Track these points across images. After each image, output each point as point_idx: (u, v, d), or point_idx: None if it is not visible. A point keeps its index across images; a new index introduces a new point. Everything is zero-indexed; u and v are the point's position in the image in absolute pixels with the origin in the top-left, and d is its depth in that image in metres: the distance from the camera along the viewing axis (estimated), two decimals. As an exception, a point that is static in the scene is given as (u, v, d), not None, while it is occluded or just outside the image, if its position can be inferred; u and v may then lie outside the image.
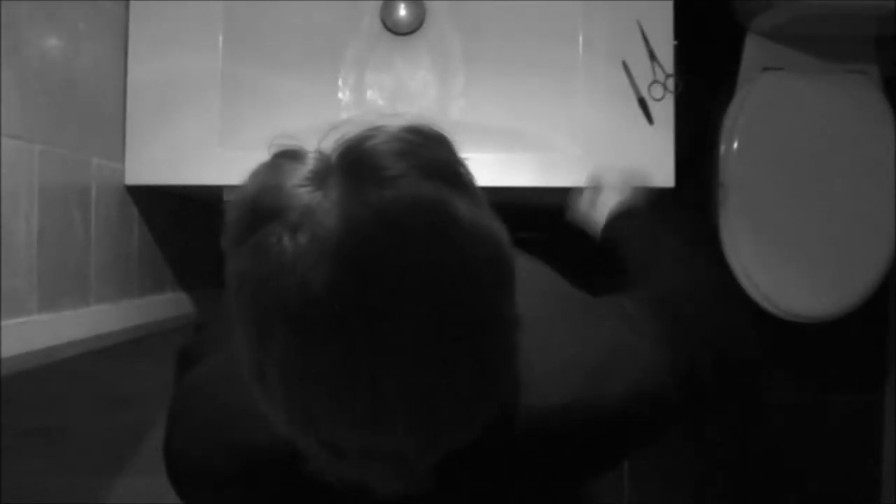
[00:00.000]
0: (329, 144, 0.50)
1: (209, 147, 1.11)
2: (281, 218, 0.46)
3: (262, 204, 0.48)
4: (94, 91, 1.03)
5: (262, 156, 1.20)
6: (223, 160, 1.10)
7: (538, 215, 1.21)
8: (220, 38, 1.12)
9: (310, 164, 0.48)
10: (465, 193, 0.48)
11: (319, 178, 0.47)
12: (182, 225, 1.36)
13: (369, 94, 1.22)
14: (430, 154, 0.49)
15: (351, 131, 0.50)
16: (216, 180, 1.11)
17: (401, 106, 1.22)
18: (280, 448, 0.52)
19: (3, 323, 0.79)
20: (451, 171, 0.49)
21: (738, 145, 1.50)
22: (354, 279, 0.43)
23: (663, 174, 1.12)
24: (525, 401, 0.57)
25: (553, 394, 0.58)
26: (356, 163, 0.47)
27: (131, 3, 1.11)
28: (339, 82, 1.21)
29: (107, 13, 1.07)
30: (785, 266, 1.51)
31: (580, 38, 1.13)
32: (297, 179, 0.47)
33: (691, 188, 1.38)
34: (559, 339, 0.61)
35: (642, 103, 1.13)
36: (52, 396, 1.13)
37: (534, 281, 0.69)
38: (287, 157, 0.50)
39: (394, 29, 1.20)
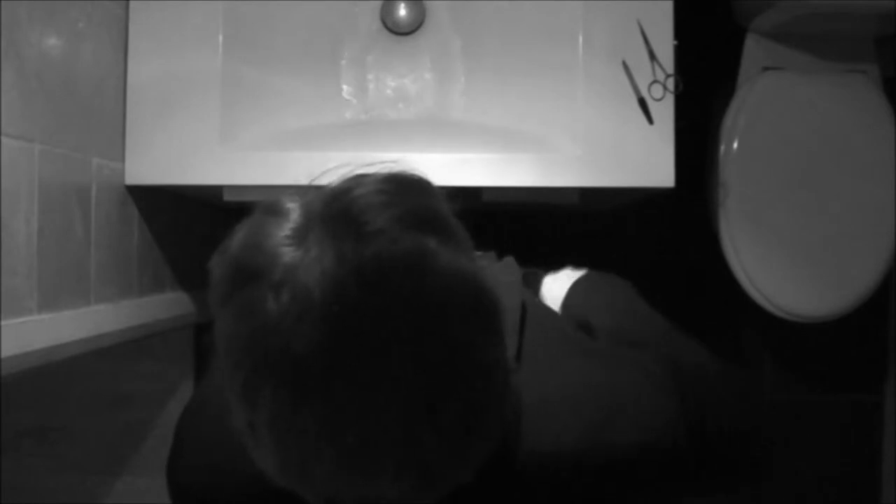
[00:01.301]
0: (311, 197, 0.50)
1: (209, 147, 1.11)
2: (264, 277, 0.46)
3: (244, 264, 0.47)
4: (94, 91, 1.03)
5: (262, 155, 1.20)
6: (223, 160, 1.10)
7: (538, 216, 1.21)
8: (220, 38, 1.12)
9: (292, 219, 0.48)
10: (446, 240, 0.48)
11: (301, 234, 0.47)
12: (182, 225, 1.36)
13: (369, 93, 1.22)
14: (410, 204, 0.48)
15: (333, 182, 0.50)
16: (216, 180, 1.11)
17: (401, 106, 1.22)
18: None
19: (3, 323, 0.79)
20: (431, 218, 0.49)
21: (738, 145, 1.50)
22: (336, 337, 0.44)
23: (663, 174, 1.12)
24: (535, 442, 0.57)
25: (564, 437, 0.58)
26: (335, 218, 0.47)
27: (131, 3, 1.11)
28: (340, 82, 1.21)
29: (107, 13, 1.07)
30: (785, 266, 1.51)
31: (580, 38, 1.13)
32: (279, 237, 0.47)
33: (691, 188, 1.39)
34: (574, 382, 0.61)
35: (642, 103, 1.13)
36: (52, 396, 1.12)
37: (550, 321, 0.69)
38: (270, 212, 0.50)
39: (394, 29, 1.20)
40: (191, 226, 1.42)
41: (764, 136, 1.51)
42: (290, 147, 1.12)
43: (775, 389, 1.89)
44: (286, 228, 0.48)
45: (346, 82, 1.21)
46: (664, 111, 1.13)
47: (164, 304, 1.24)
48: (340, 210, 0.47)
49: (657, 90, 1.13)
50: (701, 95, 1.40)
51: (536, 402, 0.58)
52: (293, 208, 0.50)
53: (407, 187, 0.50)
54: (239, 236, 0.49)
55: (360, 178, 0.50)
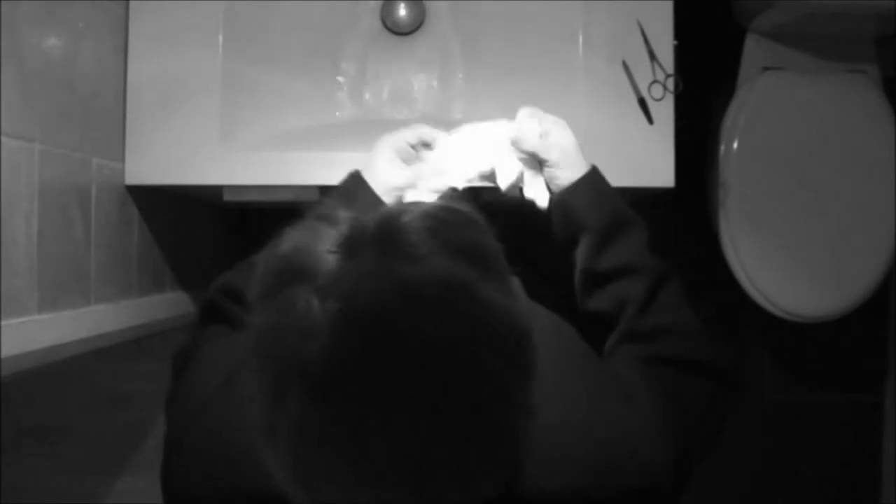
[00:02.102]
0: (363, 214, 0.51)
1: (209, 147, 1.11)
2: (310, 280, 0.47)
3: (293, 264, 0.49)
4: (94, 91, 1.03)
5: (262, 155, 1.20)
6: (223, 160, 1.10)
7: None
8: (220, 38, 1.12)
9: (344, 230, 0.50)
10: (492, 278, 0.49)
11: (352, 246, 0.48)
12: (182, 225, 1.36)
13: (369, 93, 1.22)
14: (461, 235, 0.50)
15: (389, 205, 0.52)
16: (216, 180, 1.11)
17: (401, 106, 1.22)
18: (285, 499, 0.52)
19: (3, 323, 0.79)
20: (480, 254, 0.50)
21: (738, 145, 1.50)
22: (375, 351, 0.45)
23: (663, 174, 1.12)
24: (534, 476, 0.58)
25: (557, 477, 0.59)
26: (390, 237, 0.48)
27: (131, 2, 1.11)
28: (340, 82, 1.21)
29: (107, 13, 1.07)
30: (785, 266, 1.51)
31: (580, 38, 1.13)
32: (330, 245, 0.49)
33: (691, 188, 1.39)
34: (571, 420, 0.62)
35: (642, 103, 1.13)
36: (52, 396, 1.12)
37: (552, 341, 0.69)
38: (324, 219, 0.52)
39: (394, 29, 1.20)
40: (191, 226, 1.42)
41: (764, 136, 1.51)
42: (290, 147, 1.12)
43: (775, 389, 1.89)
44: (338, 237, 0.49)
45: (346, 82, 1.21)
46: (664, 111, 1.13)
47: (164, 304, 1.24)
48: (392, 232, 0.49)
49: (657, 90, 1.13)
50: (701, 95, 1.40)
51: (538, 437, 0.59)
52: (345, 220, 0.51)
53: (460, 218, 0.52)
54: (292, 237, 0.51)
55: (411, 205, 0.52)
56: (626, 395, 0.66)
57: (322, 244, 0.49)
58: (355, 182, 0.87)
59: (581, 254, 0.82)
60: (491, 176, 0.88)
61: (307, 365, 0.45)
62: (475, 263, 0.49)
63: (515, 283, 0.53)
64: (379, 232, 0.49)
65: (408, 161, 0.88)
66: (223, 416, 0.63)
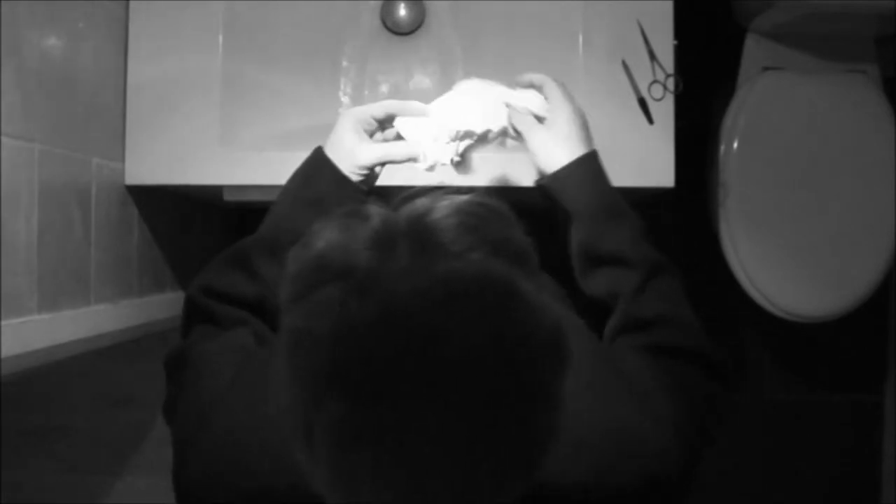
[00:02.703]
0: (393, 210, 0.50)
1: (209, 147, 1.11)
2: (346, 279, 0.46)
3: (327, 262, 0.48)
4: (94, 91, 1.03)
5: (262, 155, 1.20)
6: (223, 160, 1.10)
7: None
8: (220, 38, 1.12)
9: (376, 226, 0.49)
10: (527, 273, 0.49)
11: (386, 243, 0.47)
12: (182, 225, 1.36)
13: (369, 93, 1.22)
14: (495, 230, 0.49)
15: (419, 200, 0.51)
16: (216, 180, 1.11)
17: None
18: (307, 496, 0.52)
19: (3, 323, 0.79)
20: (514, 249, 0.50)
21: (738, 145, 1.50)
22: (418, 350, 0.44)
23: (663, 174, 1.12)
24: (546, 473, 0.57)
25: (570, 472, 0.58)
26: (425, 232, 0.48)
27: (131, 3, 1.11)
28: (340, 82, 1.21)
29: (107, 13, 1.07)
30: (785, 266, 1.51)
31: (580, 38, 1.13)
32: (363, 241, 0.48)
33: (691, 188, 1.39)
34: (585, 419, 0.61)
35: (642, 103, 1.13)
36: (52, 396, 1.13)
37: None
38: (355, 216, 0.50)
39: (394, 29, 1.20)
40: (191, 226, 1.42)
41: (764, 136, 1.51)
42: (290, 147, 1.12)
43: (775, 389, 1.89)
44: (370, 233, 0.48)
45: (345, 82, 1.21)
46: (664, 111, 1.13)
47: (164, 304, 1.24)
48: (430, 226, 0.48)
49: (657, 90, 1.13)
50: (701, 95, 1.40)
51: None
52: (375, 215, 0.50)
53: (494, 214, 0.51)
54: (324, 234, 0.50)
55: (440, 199, 0.51)
56: (633, 386, 0.66)
57: (353, 241, 0.48)
58: (318, 161, 0.84)
59: (574, 236, 0.82)
60: (482, 135, 0.85)
61: (347, 365, 0.45)
62: (510, 258, 0.48)
63: (545, 278, 0.53)
64: (412, 228, 0.48)
65: (372, 137, 0.84)
66: (234, 414, 0.63)
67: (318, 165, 0.84)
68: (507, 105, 0.85)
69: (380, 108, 0.84)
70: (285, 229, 0.81)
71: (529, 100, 0.85)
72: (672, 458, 0.63)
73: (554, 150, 0.82)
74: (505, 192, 1.12)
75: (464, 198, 0.51)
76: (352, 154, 0.82)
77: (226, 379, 0.66)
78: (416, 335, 0.44)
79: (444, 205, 0.50)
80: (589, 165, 0.83)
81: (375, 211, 0.50)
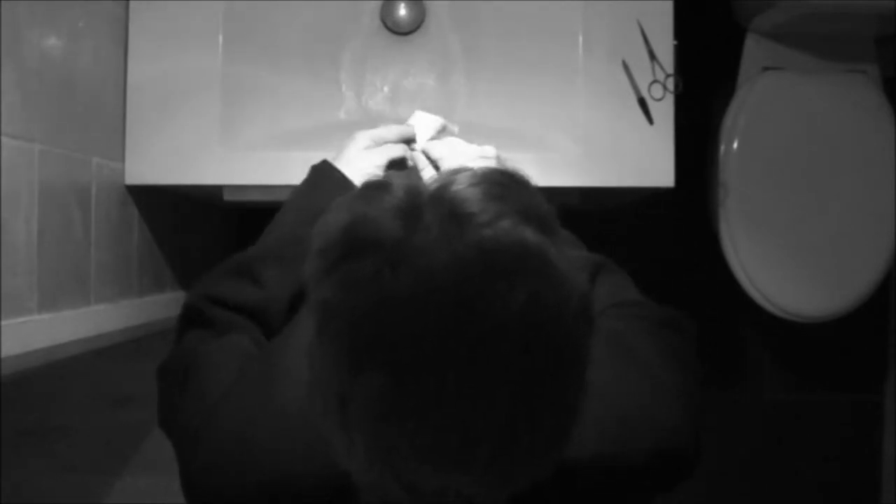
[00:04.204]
0: (414, 182, 0.50)
1: (209, 147, 1.11)
2: (377, 251, 0.46)
3: (355, 235, 0.47)
4: (94, 91, 1.03)
5: (262, 155, 1.20)
6: (223, 160, 1.10)
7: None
8: (220, 38, 1.12)
9: (400, 197, 0.48)
10: (553, 240, 0.48)
11: (412, 213, 0.47)
12: (182, 225, 1.36)
13: (369, 93, 1.22)
14: (523, 199, 0.49)
15: (439, 172, 0.50)
16: (216, 180, 1.11)
17: (401, 106, 1.22)
18: (319, 485, 0.52)
19: (3, 323, 0.79)
20: (542, 216, 0.49)
21: (738, 145, 1.50)
22: (461, 317, 0.44)
23: (663, 174, 1.12)
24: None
25: (587, 444, 0.58)
26: (451, 202, 0.47)
27: (131, 2, 1.11)
28: (339, 82, 1.21)
29: (107, 13, 1.07)
30: (785, 266, 1.51)
31: (580, 38, 1.13)
32: (390, 212, 0.47)
33: (691, 188, 1.39)
34: (600, 392, 0.62)
35: (642, 103, 1.13)
36: (52, 396, 1.13)
37: None
38: (377, 188, 0.50)
39: (394, 28, 1.20)
40: (191, 226, 1.42)
41: (764, 136, 1.51)
42: (290, 147, 1.12)
43: (775, 389, 1.89)
44: (395, 204, 0.48)
45: (345, 82, 1.21)
46: (664, 111, 1.13)
47: (164, 304, 1.24)
48: (456, 195, 0.48)
49: (657, 90, 1.13)
50: (701, 95, 1.40)
51: None
52: (398, 187, 0.49)
53: (517, 182, 0.51)
54: (347, 208, 0.49)
55: (463, 170, 0.50)
56: (637, 358, 0.66)
57: (380, 212, 0.47)
58: (325, 170, 0.87)
59: None
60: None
61: (386, 337, 0.44)
62: (538, 225, 0.48)
63: (566, 234, 0.52)
64: (437, 198, 0.48)
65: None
66: (240, 410, 0.62)
67: (325, 174, 0.86)
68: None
69: (393, 133, 0.90)
70: (292, 237, 0.81)
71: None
72: (685, 432, 0.63)
73: None
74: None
75: (484, 167, 0.51)
76: (359, 162, 0.87)
77: (229, 377, 0.66)
78: (455, 303, 0.44)
79: (466, 175, 0.49)
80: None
81: (398, 182, 0.50)
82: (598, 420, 0.59)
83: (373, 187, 0.50)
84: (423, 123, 0.95)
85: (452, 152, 0.90)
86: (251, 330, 0.75)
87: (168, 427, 0.71)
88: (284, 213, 0.86)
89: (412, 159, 0.92)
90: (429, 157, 0.92)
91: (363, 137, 0.90)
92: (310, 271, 0.49)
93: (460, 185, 0.48)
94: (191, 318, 0.79)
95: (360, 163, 0.88)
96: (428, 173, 0.89)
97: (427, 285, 0.44)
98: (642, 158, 1.12)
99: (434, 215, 0.47)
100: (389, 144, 0.91)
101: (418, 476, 0.46)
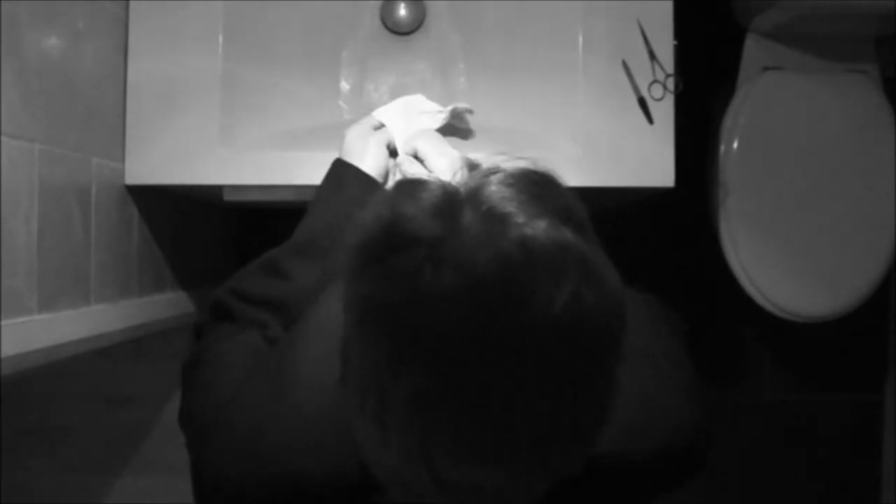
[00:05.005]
0: (450, 180, 0.51)
1: (209, 147, 1.11)
2: (417, 247, 0.46)
3: (395, 230, 0.47)
4: (94, 91, 1.03)
5: (262, 155, 1.20)
6: (223, 160, 1.10)
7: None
8: (220, 38, 1.12)
9: (437, 194, 0.49)
10: (591, 241, 0.49)
11: (449, 211, 0.47)
12: (182, 225, 1.36)
13: (369, 93, 1.22)
14: (558, 199, 0.50)
15: (472, 172, 0.51)
16: (216, 180, 1.11)
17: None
18: (332, 483, 0.52)
19: (3, 323, 0.79)
20: (577, 216, 0.50)
21: (738, 145, 1.50)
22: (503, 315, 0.44)
23: (663, 174, 1.12)
24: None
25: (603, 440, 0.58)
26: (488, 202, 0.48)
27: (131, 3, 1.11)
28: (340, 82, 1.21)
29: (107, 13, 1.07)
30: (785, 266, 1.51)
31: (580, 38, 1.13)
32: (428, 210, 0.48)
33: (691, 188, 1.39)
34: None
35: (642, 103, 1.13)
36: (52, 396, 1.13)
37: None
38: (414, 185, 0.50)
39: (394, 29, 1.20)
40: (191, 226, 1.42)
41: (764, 136, 1.51)
42: (290, 147, 1.12)
43: (775, 389, 1.89)
44: (432, 201, 0.48)
45: (345, 82, 1.21)
46: (664, 111, 1.13)
47: (164, 304, 1.25)
48: (490, 197, 0.48)
49: (657, 90, 1.13)
50: (701, 95, 1.40)
51: None
52: (434, 185, 0.50)
53: (552, 183, 0.51)
54: (385, 204, 0.49)
55: (497, 170, 0.51)
56: (647, 355, 0.66)
57: (418, 210, 0.48)
58: (341, 168, 0.88)
59: None
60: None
61: (429, 332, 0.44)
62: (574, 226, 0.48)
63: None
64: (474, 197, 0.48)
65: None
66: (252, 407, 0.62)
67: (343, 172, 0.87)
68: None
69: (376, 119, 0.92)
70: (321, 233, 0.82)
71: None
72: (697, 429, 0.64)
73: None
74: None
75: (517, 167, 0.51)
76: (376, 160, 0.88)
77: (241, 375, 0.66)
78: (499, 300, 0.44)
79: (500, 176, 0.50)
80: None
81: (433, 180, 0.50)
82: (619, 420, 0.59)
83: (410, 185, 0.51)
84: (402, 111, 0.96)
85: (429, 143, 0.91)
86: (273, 327, 0.76)
87: (183, 424, 0.71)
88: (312, 213, 0.87)
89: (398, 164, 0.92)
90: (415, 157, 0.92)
91: (355, 129, 0.91)
92: (347, 266, 0.49)
93: (495, 186, 0.49)
94: (215, 313, 0.80)
95: (368, 153, 0.89)
96: (417, 168, 0.89)
97: (470, 281, 0.45)
98: (642, 158, 1.12)
99: (473, 214, 0.47)
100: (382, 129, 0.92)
101: (454, 472, 0.46)
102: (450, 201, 0.48)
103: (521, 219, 0.47)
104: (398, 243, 0.47)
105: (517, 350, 0.44)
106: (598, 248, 0.50)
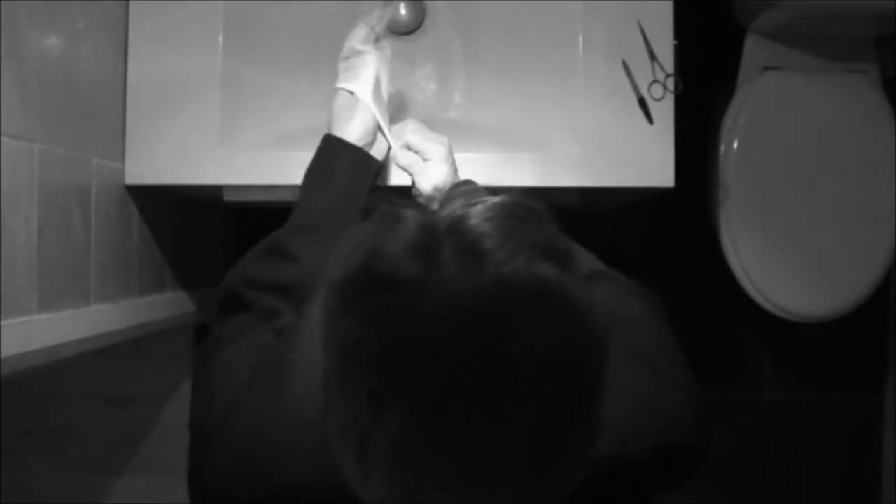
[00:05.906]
0: (428, 214, 0.50)
1: (209, 147, 1.11)
2: (394, 289, 0.46)
3: (374, 271, 0.47)
4: (94, 91, 1.03)
5: (262, 155, 1.20)
6: (223, 160, 1.10)
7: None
8: (220, 38, 1.12)
9: (415, 231, 0.49)
10: (572, 273, 0.49)
11: (428, 250, 0.47)
12: (182, 225, 1.36)
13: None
14: (538, 233, 0.49)
15: (452, 203, 0.51)
16: (216, 180, 1.11)
17: (401, 106, 1.22)
18: (328, 492, 0.52)
19: (3, 323, 0.79)
20: (558, 249, 0.50)
21: (738, 145, 1.50)
22: (483, 355, 0.44)
23: (663, 174, 1.12)
24: None
25: (601, 444, 0.59)
26: (466, 238, 0.47)
27: (131, 2, 1.11)
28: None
29: (107, 13, 1.07)
30: (785, 266, 1.51)
31: (580, 38, 1.13)
32: (405, 249, 0.47)
33: (691, 188, 1.39)
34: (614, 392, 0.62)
35: (642, 103, 1.13)
36: (52, 396, 1.13)
37: None
38: (392, 220, 0.50)
39: (394, 28, 1.20)
40: (191, 226, 1.42)
41: (764, 136, 1.51)
42: (290, 147, 1.12)
43: (775, 389, 1.89)
44: (412, 239, 0.48)
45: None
46: (664, 111, 1.13)
47: (164, 304, 1.25)
48: (468, 233, 0.48)
49: (657, 90, 1.13)
50: (701, 95, 1.40)
51: None
52: (411, 221, 0.50)
53: (533, 214, 0.51)
54: (364, 242, 0.49)
55: (478, 202, 0.51)
56: (643, 354, 0.67)
57: (395, 249, 0.48)
58: (331, 142, 0.89)
59: None
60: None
61: (408, 376, 0.44)
62: (555, 259, 0.48)
63: (582, 252, 0.52)
64: (452, 233, 0.48)
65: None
66: (250, 414, 0.62)
67: (333, 145, 0.88)
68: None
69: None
70: (320, 211, 0.83)
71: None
72: (697, 427, 0.64)
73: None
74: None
75: (498, 199, 0.51)
76: (351, 114, 0.89)
77: (242, 377, 0.66)
78: (479, 341, 0.44)
79: (481, 209, 0.50)
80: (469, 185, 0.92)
81: (411, 216, 0.50)
82: (611, 418, 0.60)
83: (388, 220, 0.50)
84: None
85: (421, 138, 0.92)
86: (286, 316, 0.75)
87: (189, 428, 0.71)
88: (307, 192, 0.87)
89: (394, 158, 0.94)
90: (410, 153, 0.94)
91: (337, 98, 0.92)
92: (325, 307, 0.49)
93: (475, 220, 0.48)
94: (227, 304, 0.79)
95: (355, 120, 0.90)
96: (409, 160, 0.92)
97: (449, 323, 0.44)
98: (642, 158, 1.12)
99: (451, 251, 0.47)
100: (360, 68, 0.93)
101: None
102: (428, 238, 0.48)
103: (499, 255, 0.46)
104: (377, 286, 0.47)
105: (497, 390, 0.44)
106: (580, 283, 0.49)
